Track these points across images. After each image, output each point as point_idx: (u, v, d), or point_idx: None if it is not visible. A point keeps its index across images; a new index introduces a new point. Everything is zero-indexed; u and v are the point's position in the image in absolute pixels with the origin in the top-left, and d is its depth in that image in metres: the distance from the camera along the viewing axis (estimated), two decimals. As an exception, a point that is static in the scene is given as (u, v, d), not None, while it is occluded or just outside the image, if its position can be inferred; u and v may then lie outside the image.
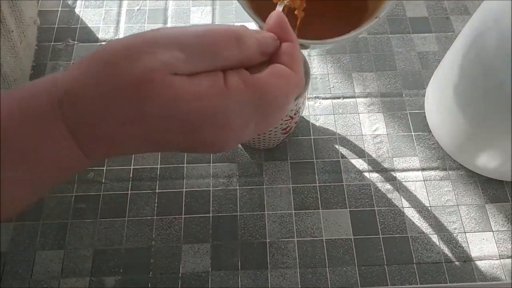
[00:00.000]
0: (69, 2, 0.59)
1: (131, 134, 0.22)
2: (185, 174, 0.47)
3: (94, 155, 0.23)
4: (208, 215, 0.45)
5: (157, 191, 0.46)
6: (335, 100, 0.52)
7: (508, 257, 0.43)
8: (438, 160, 0.48)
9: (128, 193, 0.46)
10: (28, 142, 0.21)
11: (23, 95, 0.22)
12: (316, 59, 0.55)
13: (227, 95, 0.22)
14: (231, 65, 0.23)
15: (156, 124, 0.21)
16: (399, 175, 0.47)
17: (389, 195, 0.46)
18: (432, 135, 0.49)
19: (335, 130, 0.50)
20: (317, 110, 0.51)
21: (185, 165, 0.48)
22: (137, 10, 0.58)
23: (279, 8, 0.29)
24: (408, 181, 0.47)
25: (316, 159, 0.48)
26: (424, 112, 0.51)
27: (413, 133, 0.50)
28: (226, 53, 0.23)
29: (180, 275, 0.42)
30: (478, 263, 0.43)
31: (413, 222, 0.45)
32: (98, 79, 0.21)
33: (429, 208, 0.45)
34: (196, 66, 0.22)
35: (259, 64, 0.25)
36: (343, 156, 0.48)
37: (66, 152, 0.22)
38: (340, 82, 0.53)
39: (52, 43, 0.56)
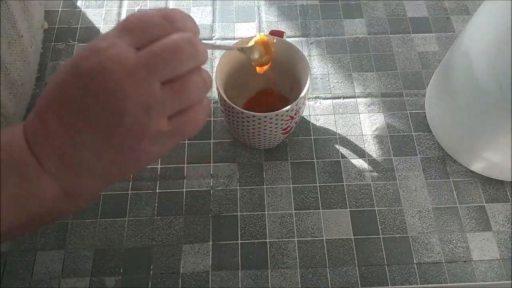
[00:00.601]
0: (70, 2, 0.59)
1: (82, 139, 0.25)
2: (185, 174, 0.47)
3: (64, 182, 0.26)
4: (208, 215, 0.45)
5: (157, 191, 0.46)
6: (335, 100, 0.52)
7: (508, 257, 0.43)
8: (438, 160, 0.48)
9: (128, 193, 0.46)
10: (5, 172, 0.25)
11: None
12: (316, 59, 0.55)
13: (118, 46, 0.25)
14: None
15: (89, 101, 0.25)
16: (399, 175, 0.47)
17: (389, 195, 0.46)
18: (432, 135, 0.49)
19: (335, 130, 0.50)
20: (317, 110, 0.51)
21: (185, 165, 0.48)
22: (137, 10, 0.58)
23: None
24: (408, 181, 0.47)
25: (316, 159, 0.48)
26: (424, 112, 0.51)
27: (413, 133, 0.50)
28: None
29: (180, 275, 0.42)
30: (478, 263, 0.43)
31: (413, 222, 0.45)
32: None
33: (429, 208, 0.45)
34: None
35: None
36: (343, 156, 0.48)
37: (40, 183, 0.26)
38: (341, 82, 0.53)
39: (53, 43, 0.56)
